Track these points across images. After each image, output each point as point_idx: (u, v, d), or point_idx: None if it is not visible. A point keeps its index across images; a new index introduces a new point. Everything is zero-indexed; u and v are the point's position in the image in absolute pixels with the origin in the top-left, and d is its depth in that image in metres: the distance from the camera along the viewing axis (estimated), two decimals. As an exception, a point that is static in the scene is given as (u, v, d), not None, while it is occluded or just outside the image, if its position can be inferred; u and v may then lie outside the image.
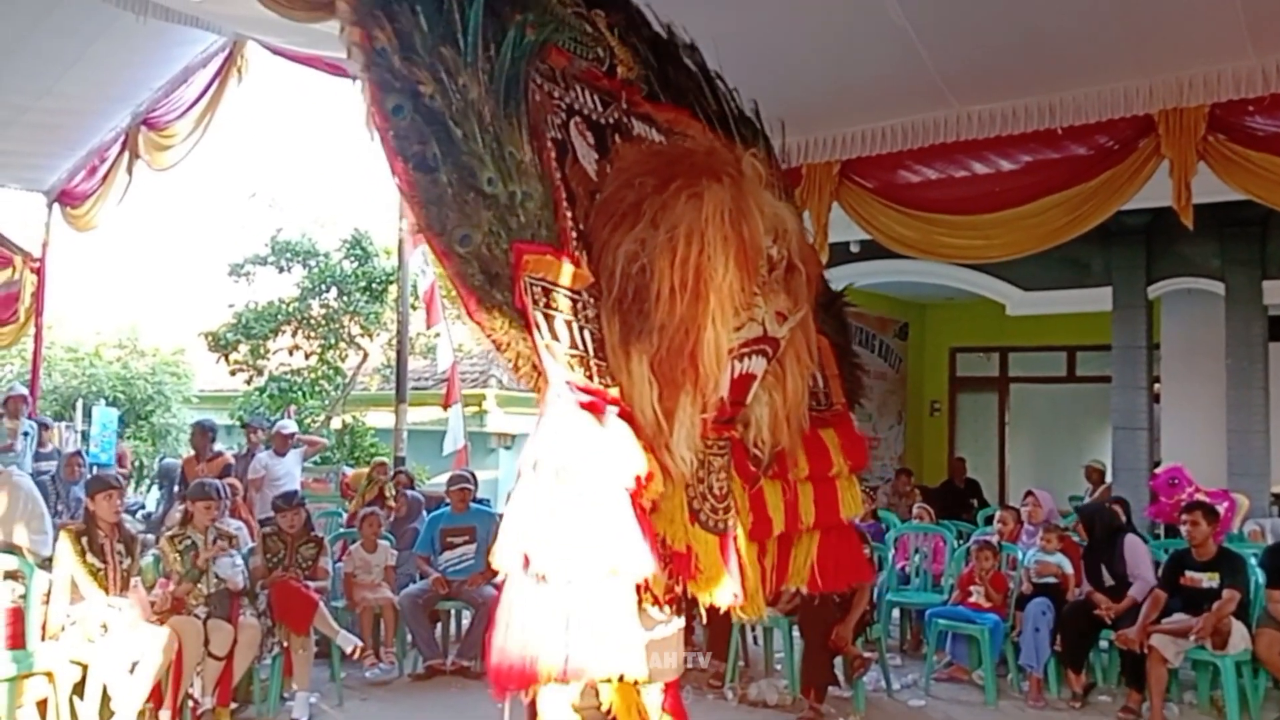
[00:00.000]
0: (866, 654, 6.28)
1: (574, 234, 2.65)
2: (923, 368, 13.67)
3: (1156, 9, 4.49)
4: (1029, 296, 10.16)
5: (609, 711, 2.61)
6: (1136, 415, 9.40)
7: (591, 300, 2.61)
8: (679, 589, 2.80)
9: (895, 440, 13.25)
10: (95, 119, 8.64)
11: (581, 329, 2.52)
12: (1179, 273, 9.31)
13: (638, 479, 2.39)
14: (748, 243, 2.55)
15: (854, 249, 8.94)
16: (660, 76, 3.41)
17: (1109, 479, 9.78)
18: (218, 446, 9.01)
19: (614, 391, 2.50)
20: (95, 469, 9.47)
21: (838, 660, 6.16)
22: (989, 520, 9.06)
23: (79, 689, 5.23)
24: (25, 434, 9.06)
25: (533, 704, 2.57)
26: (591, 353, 2.53)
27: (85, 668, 5.20)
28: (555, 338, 2.40)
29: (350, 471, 10.64)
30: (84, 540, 5.42)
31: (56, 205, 9.86)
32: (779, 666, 6.85)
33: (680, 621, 2.81)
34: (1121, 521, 6.92)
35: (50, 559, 5.76)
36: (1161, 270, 9.37)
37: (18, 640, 5.31)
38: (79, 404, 15.09)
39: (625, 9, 3.44)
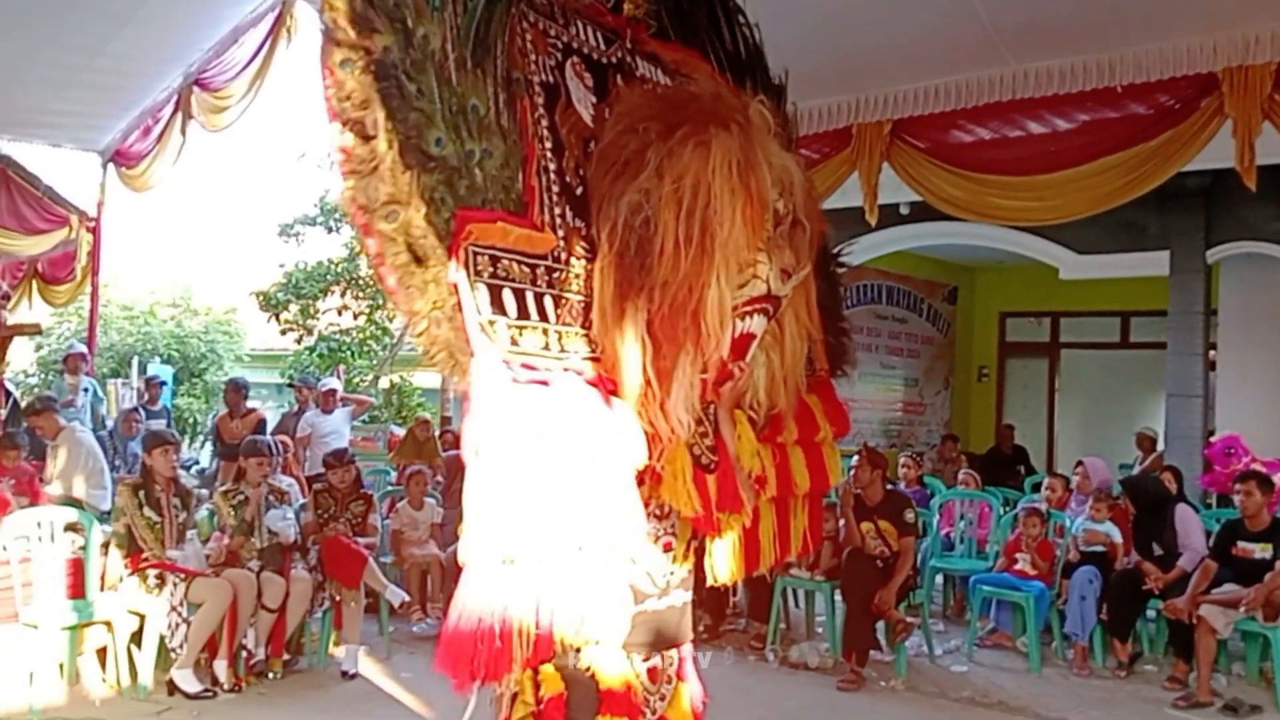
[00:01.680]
0: (909, 619, 6.27)
1: (554, 189, 2.52)
2: (971, 332, 13.51)
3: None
4: (1082, 260, 9.97)
5: (589, 671, 2.48)
6: (1191, 382, 9.22)
7: (568, 261, 2.49)
8: (687, 554, 2.71)
9: (942, 406, 13.14)
10: (148, 79, 8.74)
11: (541, 296, 2.39)
12: (1239, 236, 9.07)
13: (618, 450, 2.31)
14: (755, 196, 2.43)
15: (903, 211, 8.80)
16: (673, 11, 3.24)
17: (1160, 447, 9.63)
18: (252, 404, 9.18)
19: (577, 360, 2.40)
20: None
21: (880, 624, 6.16)
22: (1036, 487, 8.99)
23: (136, 638, 5.38)
24: (85, 390, 9.29)
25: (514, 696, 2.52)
26: (555, 319, 2.40)
27: (143, 617, 5.35)
28: (500, 310, 2.26)
29: (398, 431, 10.79)
30: (141, 494, 5.55)
31: (111, 165, 10.00)
32: (820, 630, 6.87)
33: (683, 595, 2.71)
34: (1169, 491, 6.83)
35: (109, 512, 5.92)
36: (1221, 234, 9.14)
37: (78, 590, 5.47)
38: (134, 361, 15.42)
39: None
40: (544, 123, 2.56)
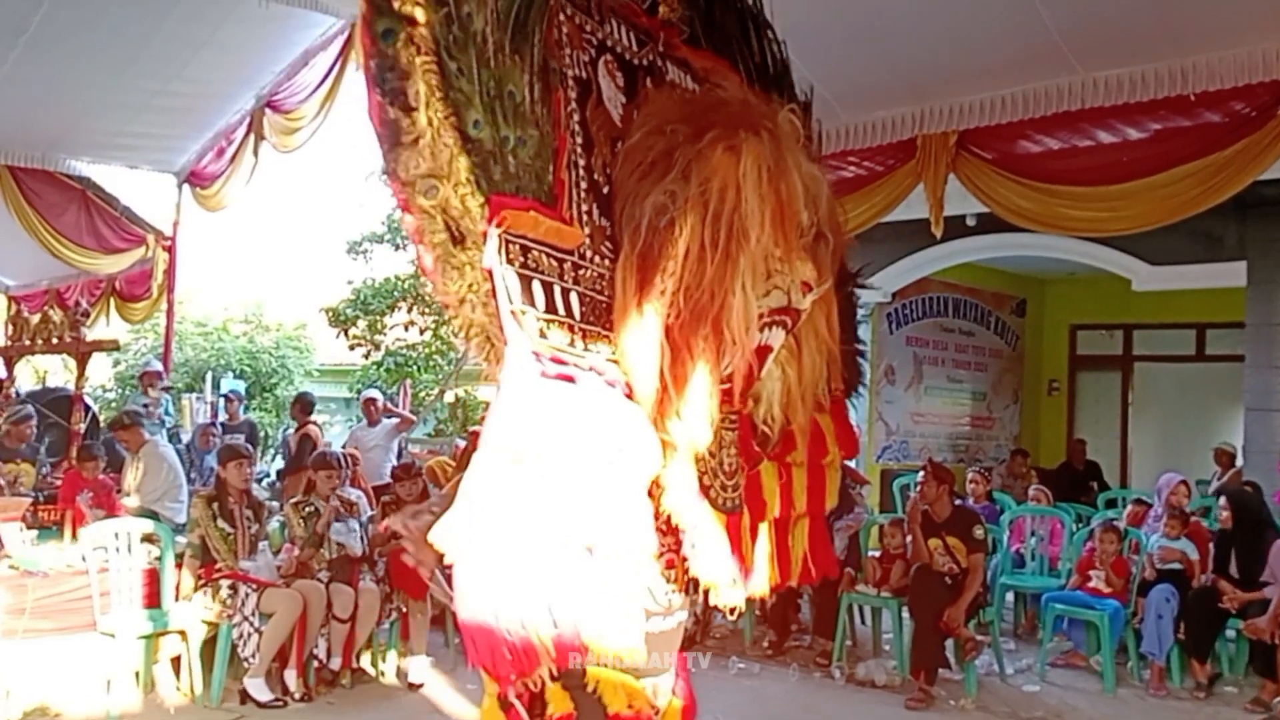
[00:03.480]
0: (979, 637, 6.16)
1: (583, 185, 2.45)
2: (1041, 345, 13.26)
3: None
4: (1157, 271, 9.73)
5: (595, 690, 2.42)
6: (1271, 396, 8.94)
7: (593, 259, 2.43)
8: (684, 571, 2.61)
9: (1011, 420, 12.92)
10: (221, 102, 8.97)
11: (567, 292, 2.32)
12: (1318, 246, 8.82)
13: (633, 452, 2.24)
14: (784, 204, 2.37)
15: (970, 222, 8.68)
16: (705, 19, 3.21)
17: (1239, 462, 9.35)
18: (320, 416, 9.31)
19: (599, 359, 2.31)
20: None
21: (949, 642, 6.06)
22: (1110, 504, 8.79)
23: (210, 647, 5.49)
24: (160, 406, 9.54)
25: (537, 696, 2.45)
26: (579, 317, 2.32)
27: (216, 627, 5.46)
28: (530, 302, 2.18)
29: (464, 444, 10.88)
30: (215, 506, 5.67)
31: (186, 186, 10.27)
32: (888, 647, 6.77)
33: (683, 615, 2.63)
34: (1272, 516, 6.61)
35: (184, 524, 6.06)
36: (1301, 243, 8.88)
37: (154, 600, 5.61)
38: (208, 376, 15.77)
39: None
40: (575, 117, 2.52)
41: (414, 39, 2.10)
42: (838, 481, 3.38)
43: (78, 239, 10.28)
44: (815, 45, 5.33)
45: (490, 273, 2.13)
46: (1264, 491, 7.30)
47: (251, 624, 5.41)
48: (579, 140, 2.50)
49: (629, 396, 2.34)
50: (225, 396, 11.48)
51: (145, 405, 9.19)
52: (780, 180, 2.37)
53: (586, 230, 2.45)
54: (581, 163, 2.49)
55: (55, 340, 8.05)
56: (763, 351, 2.51)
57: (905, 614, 6.33)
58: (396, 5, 2.09)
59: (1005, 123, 5.53)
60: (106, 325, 11.33)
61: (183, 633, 5.49)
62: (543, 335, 2.19)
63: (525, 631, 2.02)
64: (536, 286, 2.23)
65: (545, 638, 2.04)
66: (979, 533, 6.18)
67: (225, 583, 5.50)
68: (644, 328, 2.33)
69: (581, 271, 2.39)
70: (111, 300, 11.21)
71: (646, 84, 2.82)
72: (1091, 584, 6.52)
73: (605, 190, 2.55)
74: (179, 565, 5.72)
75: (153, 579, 5.65)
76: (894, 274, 10.81)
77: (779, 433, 2.82)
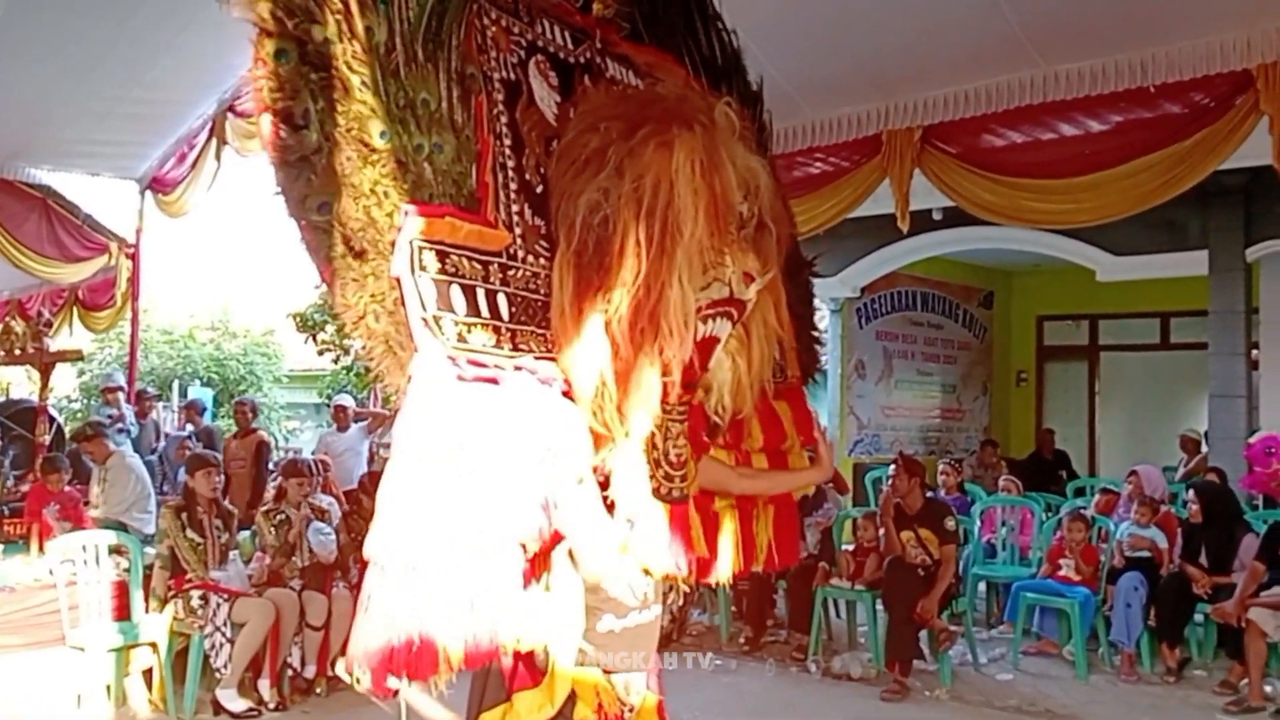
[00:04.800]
0: (952, 627, 6.21)
1: (512, 186, 2.46)
2: (1009, 337, 13.38)
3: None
4: (1120, 261, 9.85)
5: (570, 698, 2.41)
6: (1235, 383, 9.08)
7: (525, 259, 2.44)
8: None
9: (980, 411, 13.03)
10: (184, 107, 8.87)
11: (494, 293, 2.32)
12: (1279, 234, 8.95)
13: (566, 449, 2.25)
14: (719, 197, 2.36)
15: (936, 216, 8.76)
16: (648, 14, 3.19)
17: (1205, 449, 9.48)
18: (290, 423, 9.25)
19: (531, 358, 2.33)
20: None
21: (923, 634, 6.10)
22: (1079, 493, 8.88)
23: (181, 659, 5.44)
24: (123, 416, 9.44)
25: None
26: (509, 318, 2.33)
27: (188, 638, 5.40)
28: (447, 307, 2.17)
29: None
30: (183, 516, 5.61)
31: (149, 192, 10.15)
32: (863, 640, 6.81)
33: (658, 609, 2.60)
34: (1241, 509, 6.70)
35: (153, 535, 5.99)
36: (1261, 232, 9.00)
37: (123, 612, 5.55)
38: (175, 384, 15.61)
39: None
40: (503, 119, 2.52)
41: (307, 58, 2.11)
42: (804, 466, 3.37)
43: (39, 248, 10.13)
44: (780, 42, 5.36)
45: (399, 281, 2.13)
46: (1228, 478, 7.40)
47: (224, 634, 5.36)
48: (507, 142, 2.51)
49: (567, 393, 2.35)
50: (187, 405, 11.36)
51: (109, 417, 9.08)
52: (714, 174, 2.37)
53: (518, 230, 2.46)
54: (511, 164, 2.50)
55: (18, 351, 7.96)
56: (708, 343, 2.51)
57: (879, 607, 6.36)
58: (289, 25, 2.09)
59: (969, 117, 5.57)
60: (70, 335, 11.20)
61: (153, 645, 5.43)
62: (462, 339, 2.19)
63: (424, 635, 2.01)
64: (455, 291, 2.23)
65: (454, 642, 2.04)
66: (950, 524, 6.23)
67: (196, 593, 5.44)
68: (581, 325, 2.34)
69: (511, 272, 2.40)
70: (74, 309, 11.07)
71: (584, 82, 2.81)
72: (1062, 572, 6.59)
73: (539, 189, 2.56)
74: (148, 577, 5.66)
75: (122, 591, 5.58)
76: (862, 269, 10.88)
77: (729, 420, 2.84)
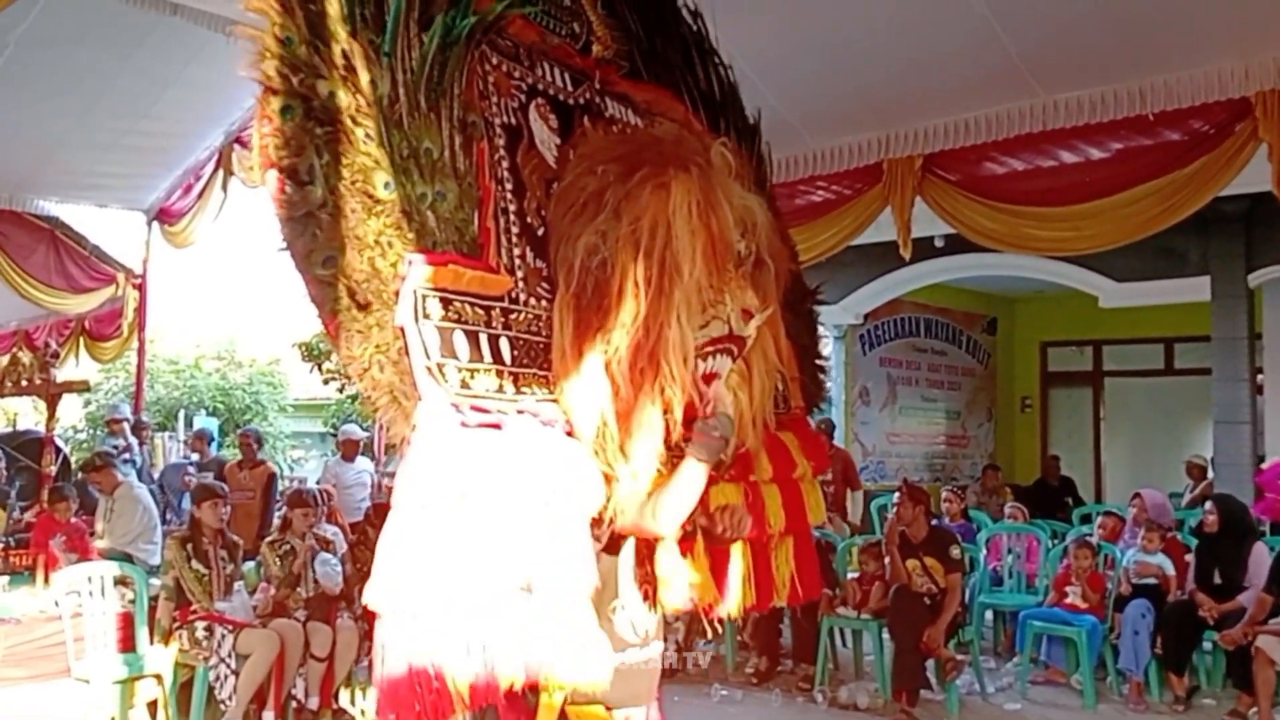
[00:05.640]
0: (959, 656, 6.18)
1: (514, 230, 2.50)
2: (1013, 363, 13.39)
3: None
4: (1122, 288, 9.88)
5: None
6: (1239, 408, 9.07)
7: (527, 302, 2.47)
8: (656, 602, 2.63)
9: (985, 438, 13.01)
10: (190, 139, 8.96)
11: (496, 338, 2.34)
12: (1280, 260, 8.99)
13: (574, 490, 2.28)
14: (716, 237, 2.39)
15: (938, 243, 8.78)
16: (646, 51, 3.23)
17: (1210, 475, 9.46)
18: (295, 453, 9.26)
19: (534, 401, 2.35)
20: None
21: (929, 663, 6.07)
22: (1085, 519, 8.85)
23: (186, 690, 5.42)
24: (129, 448, 9.45)
25: None
26: (511, 361, 2.35)
27: (193, 669, 5.39)
28: (451, 353, 2.20)
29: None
30: (189, 547, 5.61)
31: (155, 223, 10.22)
32: (869, 669, 6.77)
33: (659, 645, 2.62)
34: (1254, 524, 6.68)
35: (158, 566, 5.99)
36: (1262, 258, 9.03)
37: (128, 643, 5.54)
38: (180, 414, 15.64)
39: None
40: (505, 164, 2.55)
41: (312, 113, 2.15)
42: (818, 495, 3.39)
43: (46, 279, 10.20)
44: (781, 72, 5.42)
45: (403, 330, 2.16)
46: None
47: (228, 665, 5.34)
48: (509, 187, 2.54)
49: (569, 434, 2.37)
50: (195, 435, 11.39)
51: (115, 447, 9.10)
52: (711, 214, 2.39)
53: (520, 274, 2.49)
54: (512, 208, 2.53)
55: (25, 383, 7.99)
56: (710, 378, 2.53)
57: (885, 636, 6.34)
58: (295, 82, 2.14)
59: (969, 145, 5.61)
60: (76, 365, 11.24)
61: (158, 676, 5.42)
62: (465, 385, 2.22)
63: (439, 677, 2.03)
64: (459, 337, 2.25)
65: (461, 683, 2.05)
66: (956, 552, 6.21)
67: (201, 624, 5.43)
68: (582, 366, 2.37)
69: (513, 316, 2.43)
70: (81, 340, 11.12)
71: (584, 123, 2.85)
72: (1068, 600, 6.56)
73: (540, 232, 2.58)
74: (153, 608, 5.66)
75: (127, 623, 5.58)
76: (865, 296, 10.91)
77: (733, 455, 2.83)
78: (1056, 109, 5.25)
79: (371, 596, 2.07)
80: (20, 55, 6.95)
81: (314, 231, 2.15)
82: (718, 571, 2.91)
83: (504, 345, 2.37)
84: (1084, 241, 5.55)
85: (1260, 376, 9.47)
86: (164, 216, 10.05)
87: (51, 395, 8.11)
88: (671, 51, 3.34)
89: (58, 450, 9.35)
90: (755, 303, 2.55)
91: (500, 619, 2.12)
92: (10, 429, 13.43)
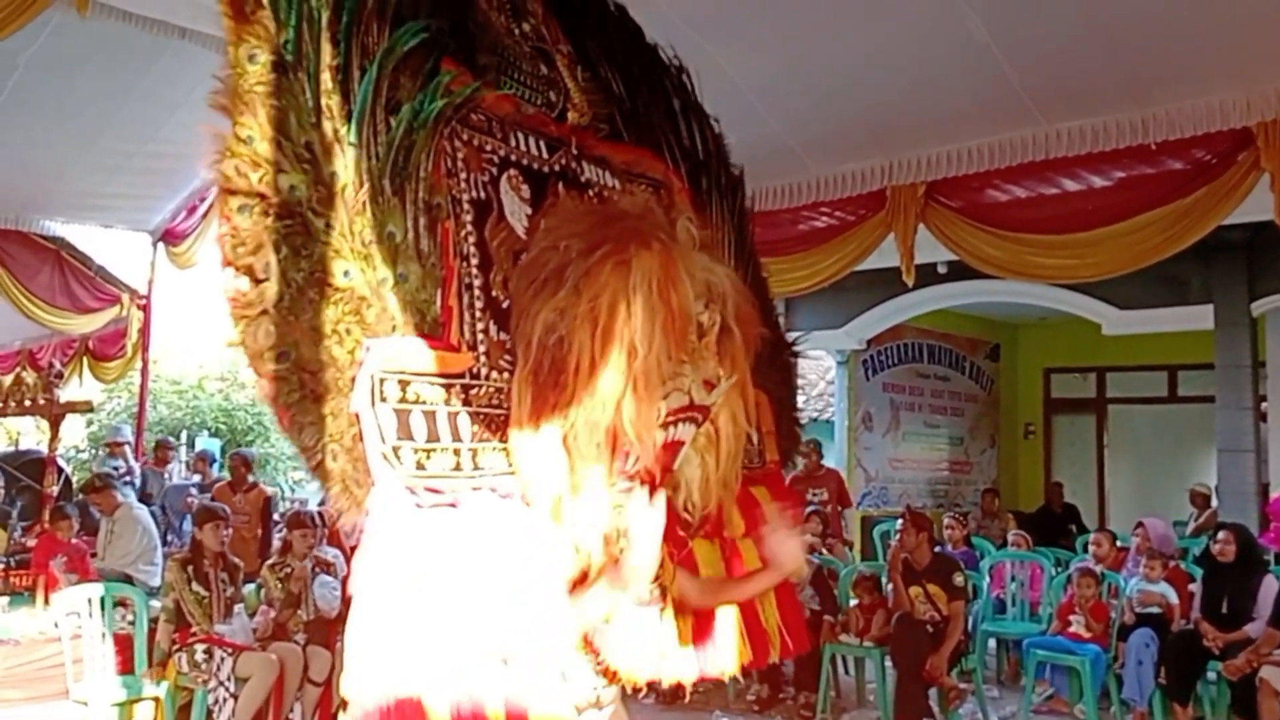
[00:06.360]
0: (962, 685, 6.15)
1: (478, 304, 2.50)
2: (1016, 389, 13.37)
3: (1250, 19, 4.37)
4: (1126, 315, 9.88)
5: None
6: (1242, 436, 9.06)
7: (489, 375, 2.48)
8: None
9: (988, 464, 12.98)
10: (196, 161, 8.92)
11: (455, 415, 2.35)
12: (1284, 289, 8.99)
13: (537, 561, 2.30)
14: (675, 312, 2.40)
15: (941, 270, 8.80)
16: (628, 112, 3.24)
17: (1214, 503, 9.43)
18: (296, 475, 9.27)
19: (491, 476, 2.38)
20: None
21: (932, 691, 6.03)
22: (1089, 547, 8.82)
23: (185, 714, 5.40)
24: (129, 470, 9.45)
25: None
26: (471, 437, 2.37)
27: (191, 692, 5.37)
28: (407, 435, 2.22)
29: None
30: (189, 569, 5.60)
31: (160, 244, 10.26)
32: (871, 698, 6.74)
33: (613, 710, 2.62)
34: (1267, 557, 6.65)
35: (158, 588, 5.98)
36: (1265, 286, 9.04)
37: (127, 666, 5.51)
38: (183, 435, 15.63)
39: (604, 31, 3.28)
40: (471, 240, 2.55)
41: (270, 209, 2.16)
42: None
43: (51, 299, 10.23)
44: (784, 99, 5.46)
45: (359, 416, 2.16)
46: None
47: (227, 689, 5.32)
48: (474, 261, 2.55)
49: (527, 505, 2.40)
50: (198, 456, 11.38)
51: (115, 469, 9.10)
52: (671, 290, 2.40)
53: (483, 348, 2.50)
54: (477, 283, 2.53)
55: (28, 402, 7.99)
56: (673, 447, 2.55)
57: (888, 663, 6.30)
58: (254, 180, 2.15)
59: (972, 173, 5.63)
60: (79, 385, 11.26)
61: (157, 700, 5.40)
62: (420, 466, 2.23)
63: None
64: (416, 418, 2.26)
65: None
66: (959, 580, 6.18)
67: (200, 647, 5.42)
68: (538, 441, 2.38)
69: (474, 391, 2.44)
70: (84, 360, 11.14)
71: (559, 189, 2.86)
72: (1072, 629, 6.53)
73: (505, 305, 2.59)
74: (153, 630, 5.64)
75: (126, 645, 5.56)
76: (868, 321, 10.92)
77: (699, 516, 2.86)
78: (1059, 138, 5.28)
79: (349, 689, 2.07)
80: (29, 78, 7.00)
81: (268, 328, 2.14)
82: (702, 632, 2.92)
83: (463, 422, 2.38)
84: (1087, 269, 5.56)
85: (1264, 404, 9.46)
86: (169, 237, 10.09)
87: (54, 415, 8.11)
88: (654, 112, 3.36)
89: (60, 470, 9.35)
90: (719, 372, 2.57)
91: (481, 692, 2.14)
92: (13, 448, 13.43)
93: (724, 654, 2.95)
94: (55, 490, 8.29)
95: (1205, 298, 9.27)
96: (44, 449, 9.22)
